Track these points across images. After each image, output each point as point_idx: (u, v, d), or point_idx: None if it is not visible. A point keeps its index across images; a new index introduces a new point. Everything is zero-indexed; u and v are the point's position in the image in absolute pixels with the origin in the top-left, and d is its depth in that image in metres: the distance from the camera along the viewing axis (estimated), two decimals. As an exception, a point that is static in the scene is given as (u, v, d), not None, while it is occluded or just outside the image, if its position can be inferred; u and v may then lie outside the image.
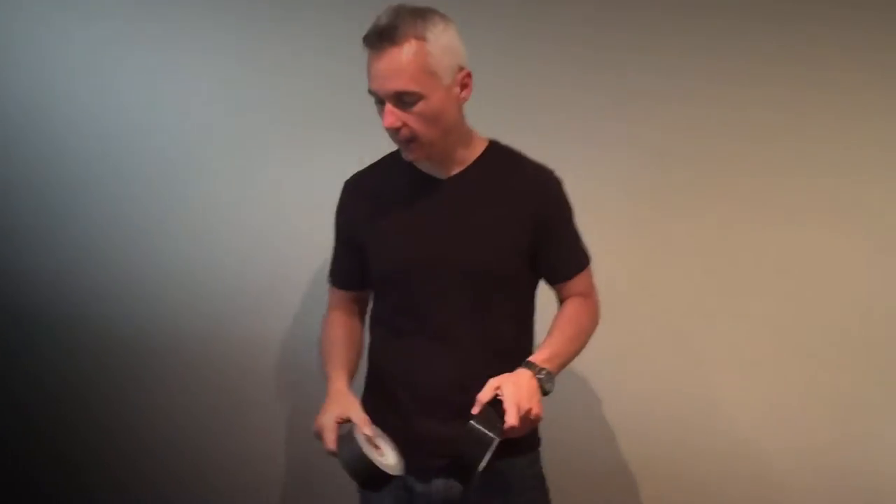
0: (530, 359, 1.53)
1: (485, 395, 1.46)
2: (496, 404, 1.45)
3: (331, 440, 1.49)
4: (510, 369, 1.51)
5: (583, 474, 2.09)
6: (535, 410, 1.46)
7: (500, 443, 1.42)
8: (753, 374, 2.01)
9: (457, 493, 1.57)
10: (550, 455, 1.71)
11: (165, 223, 2.29)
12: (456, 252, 1.58)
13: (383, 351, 1.68)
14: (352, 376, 1.64)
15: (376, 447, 1.50)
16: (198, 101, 2.23)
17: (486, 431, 1.41)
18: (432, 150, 1.55)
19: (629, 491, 2.11)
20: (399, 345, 1.64)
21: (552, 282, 1.68)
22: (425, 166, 1.61)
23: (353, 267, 1.71)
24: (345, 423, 1.52)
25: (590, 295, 1.69)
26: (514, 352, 1.59)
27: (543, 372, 1.51)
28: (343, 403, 1.55)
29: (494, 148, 1.65)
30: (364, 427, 1.51)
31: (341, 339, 1.69)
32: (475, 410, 1.45)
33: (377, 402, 1.65)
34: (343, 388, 1.58)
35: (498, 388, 1.46)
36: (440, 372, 1.59)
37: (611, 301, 1.75)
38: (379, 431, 1.55)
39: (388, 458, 1.50)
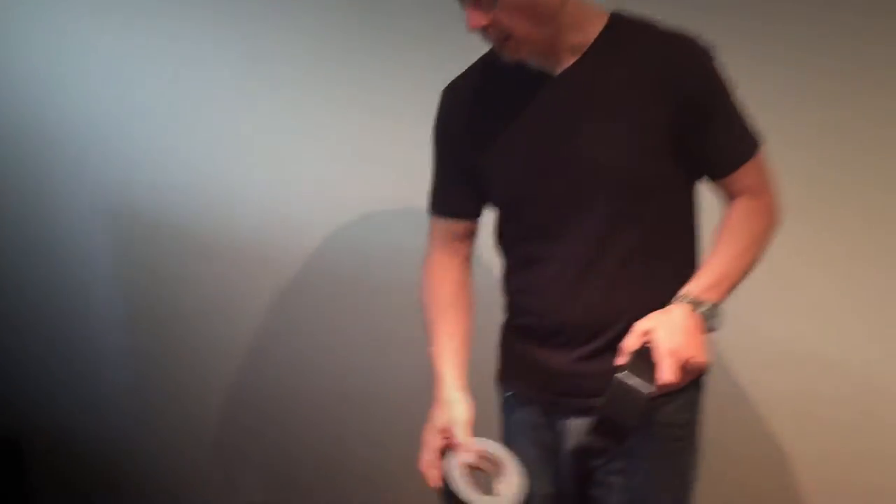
0: (687, 289, 1.23)
1: (631, 344, 1.19)
2: (645, 352, 1.17)
3: (424, 462, 1.32)
4: (667, 294, 1.23)
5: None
6: (696, 358, 1.17)
7: None
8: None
9: (594, 440, 1.31)
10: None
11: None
12: (586, 160, 1.29)
13: (514, 280, 1.44)
14: (466, 345, 1.43)
15: (494, 466, 1.30)
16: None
17: (635, 388, 1.15)
18: (534, 45, 1.26)
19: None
20: (531, 273, 1.39)
21: (712, 177, 1.34)
22: (533, 62, 1.31)
23: (460, 190, 1.44)
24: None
25: (762, 191, 1.34)
26: (671, 272, 1.31)
27: (706, 306, 1.21)
28: (447, 414, 1.34)
29: (617, 22, 1.31)
30: (462, 451, 1.30)
31: (448, 304, 1.45)
32: (620, 361, 1.19)
33: (514, 334, 1.46)
34: (449, 395, 1.36)
35: (648, 332, 1.18)
36: (578, 302, 1.34)
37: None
38: (496, 447, 1.33)
39: (505, 480, 1.29)
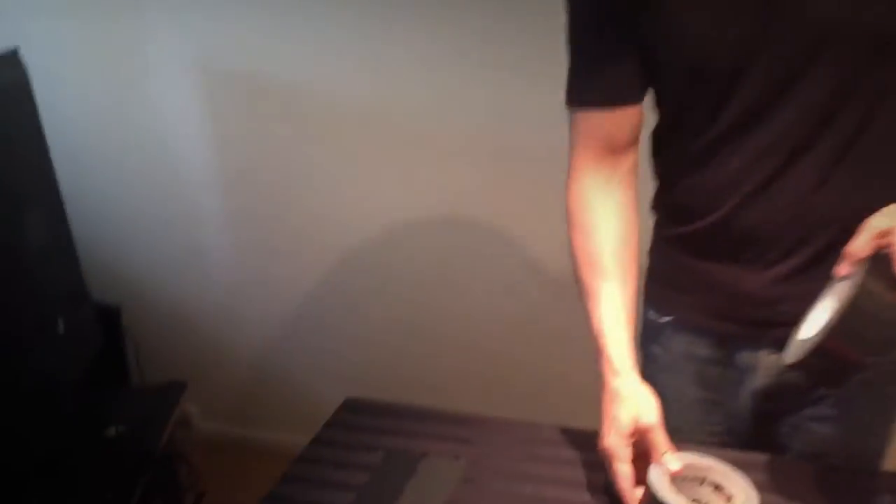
0: None
1: (860, 248, 0.89)
2: (881, 260, 0.88)
3: (621, 481, 0.99)
4: None
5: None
6: None
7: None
8: None
9: (800, 378, 1.05)
10: None
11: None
12: (804, 11, 0.94)
13: (683, 180, 1.11)
14: (634, 298, 1.11)
15: (709, 483, 0.97)
16: None
17: (868, 305, 0.86)
18: None
19: None
20: (712, 167, 1.06)
21: None
22: None
23: (617, 63, 1.06)
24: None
25: None
26: None
27: None
28: (631, 413, 1.01)
29: None
30: (665, 459, 0.98)
31: (609, 257, 1.10)
32: (842, 271, 0.90)
33: (678, 246, 1.15)
34: (627, 388, 1.04)
35: (886, 233, 0.88)
36: (779, 199, 1.03)
37: None
38: (709, 460, 0.99)
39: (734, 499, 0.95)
